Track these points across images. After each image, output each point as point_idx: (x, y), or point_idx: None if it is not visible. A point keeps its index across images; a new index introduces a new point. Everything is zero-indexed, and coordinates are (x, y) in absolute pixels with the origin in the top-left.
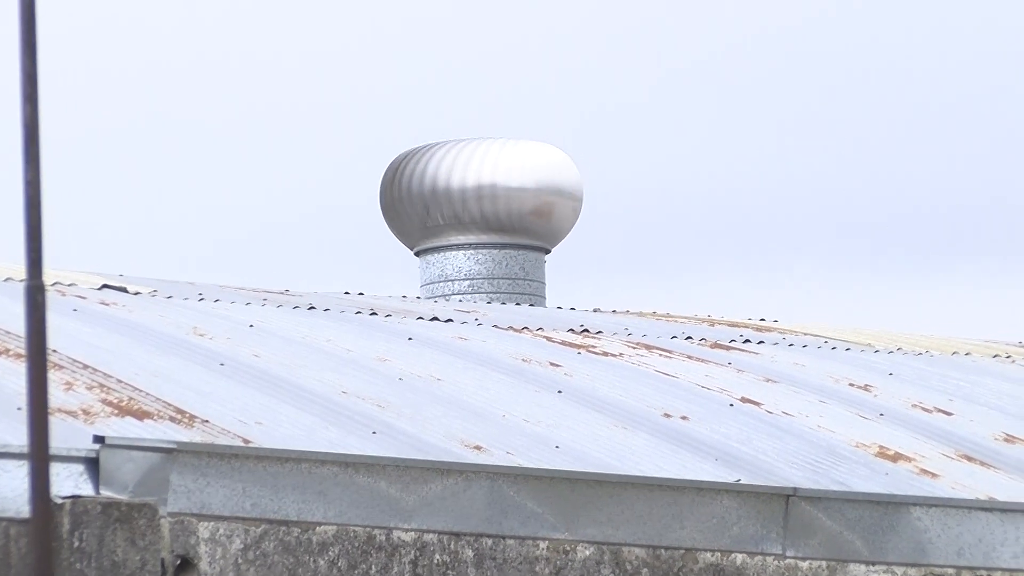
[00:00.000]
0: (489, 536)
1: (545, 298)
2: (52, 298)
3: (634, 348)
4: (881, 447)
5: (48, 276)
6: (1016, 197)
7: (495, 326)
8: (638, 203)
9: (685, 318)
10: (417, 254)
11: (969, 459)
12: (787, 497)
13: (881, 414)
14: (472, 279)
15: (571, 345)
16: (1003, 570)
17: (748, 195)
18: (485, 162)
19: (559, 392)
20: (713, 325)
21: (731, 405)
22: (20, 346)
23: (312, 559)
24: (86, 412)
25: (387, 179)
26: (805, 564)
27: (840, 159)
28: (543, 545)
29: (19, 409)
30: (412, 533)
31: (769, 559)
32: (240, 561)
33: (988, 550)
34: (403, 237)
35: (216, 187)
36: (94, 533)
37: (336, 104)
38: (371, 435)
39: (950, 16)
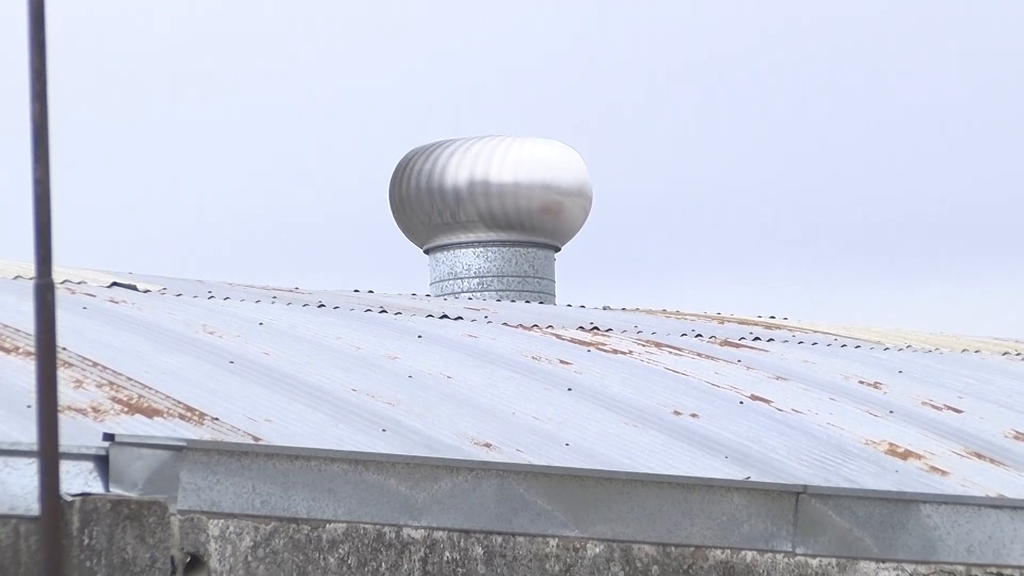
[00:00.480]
0: (499, 533)
1: (555, 296)
2: (61, 296)
3: (644, 346)
4: (891, 444)
5: (57, 274)
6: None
7: (505, 324)
8: (648, 201)
9: (695, 316)
10: (426, 252)
11: (979, 456)
12: (797, 495)
13: (891, 411)
14: (482, 277)
15: (581, 343)
16: (1013, 567)
17: (759, 192)
18: (494, 160)
19: (569, 390)
20: (723, 323)
21: (741, 403)
22: (29, 344)
23: (322, 557)
24: (96, 410)
25: (396, 177)
26: (815, 561)
27: (853, 156)
28: (553, 543)
29: (29, 407)
30: (422, 531)
31: (779, 556)
32: (250, 559)
33: (998, 547)
34: (412, 235)
35: (226, 185)
36: (104, 531)
37: (345, 102)
38: (381, 433)
39: (952, 15)
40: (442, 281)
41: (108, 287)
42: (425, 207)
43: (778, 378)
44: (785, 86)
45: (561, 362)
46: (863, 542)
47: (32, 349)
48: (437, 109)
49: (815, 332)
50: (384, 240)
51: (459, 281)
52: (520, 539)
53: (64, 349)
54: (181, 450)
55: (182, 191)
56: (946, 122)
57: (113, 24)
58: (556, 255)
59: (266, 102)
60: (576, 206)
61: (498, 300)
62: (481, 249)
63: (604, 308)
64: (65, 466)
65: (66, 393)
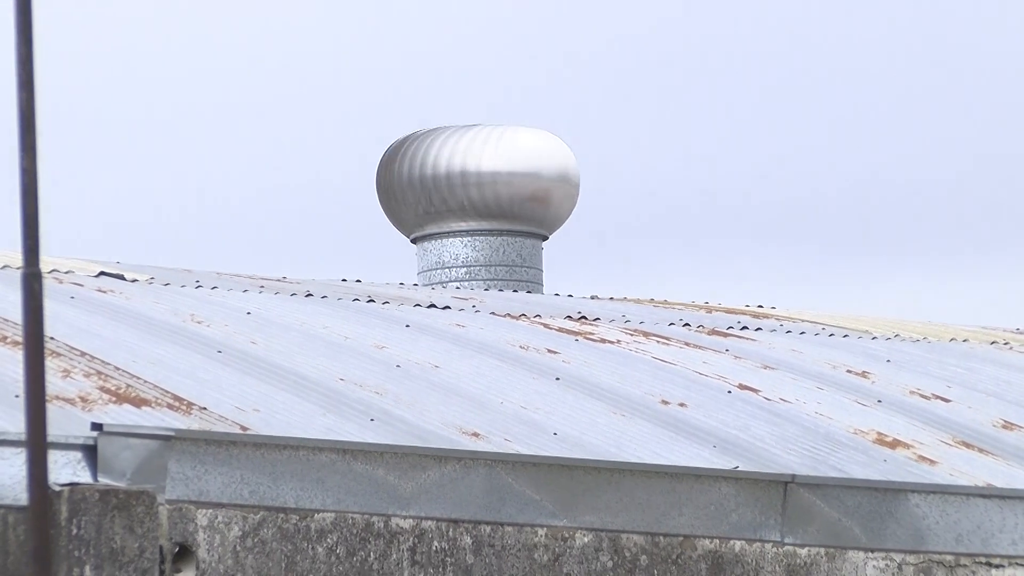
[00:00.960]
0: (487, 523)
1: (542, 285)
2: (49, 285)
3: (631, 335)
4: (879, 434)
5: (45, 263)
6: (1015, 185)
7: (492, 313)
8: (635, 189)
9: (683, 305)
10: (414, 241)
11: (967, 446)
12: (785, 484)
13: (879, 401)
14: (469, 266)
15: (569, 332)
16: (1002, 556)
17: (746, 181)
18: (482, 149)
19: (557, 379)
20: (711, 312)
21: (729, 392)
22: (17, 333)
23: (310, 546)
24: (84, 399)
25: (383, 166)
26: (804, 551)
27: (838, 145)
28: (541, 532)
29: (16, 396)
30: (410, 520)
31: (767, 546)
32: (238, 548)
33: (987, 537)
34: (400, 224)
35: (213, 174)
36: (92, 520)
37: (333, 91)
38: (369, 422)
39: (946, 9)
40: (430, 271)
41: (96, 276)
42: (412, 196)
43: (766, 367)
44: (776, 73)
45: (549, 351)
46: (851, 532)
47: (20, 339)
48: (424, 98)
49: (803, 321)
50: (371, 229)
51: (447, 270)
52: (508, 528)
53: (52, 339)
54: (169, 440)
55: (169, 180)
56: (934, 114)
57: (100, 12)
58: (543, 244)
59: (253, 90)
60: (563, 195)
61: (486, 289)
62: (468, 238)
63: (592, 297)
64: (53, 456)
65: (54, 383)
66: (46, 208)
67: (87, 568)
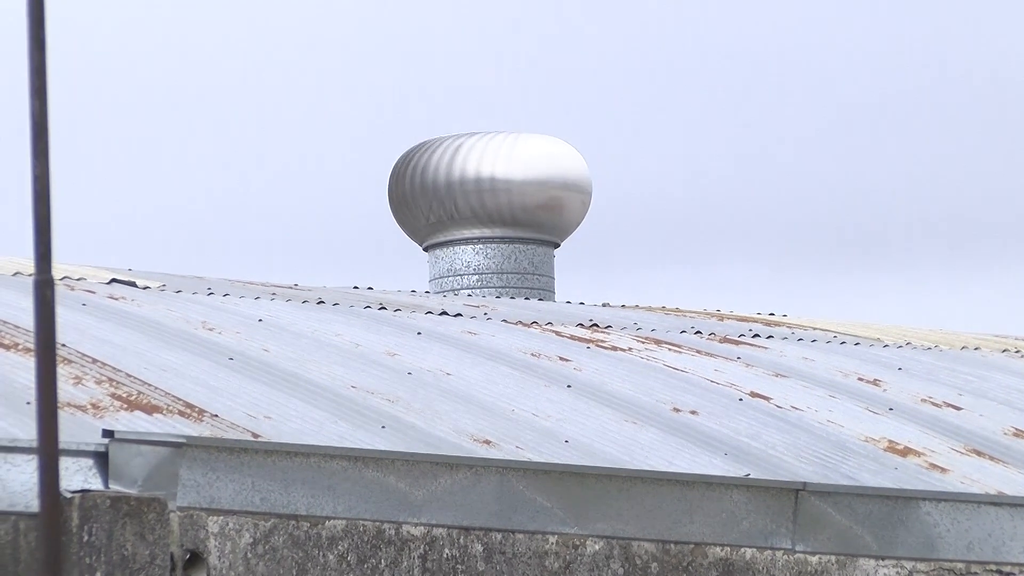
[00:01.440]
0: (498, 531)
1: (554, 292)
2: (61, 293)
3: (643, 343)
4: (890, 442)
5: (57, 271)
6: None
7: (504, 321)
8: (647, 197)
9: (694, 313)
10: (426, 249)
11: (978, 453)
12: (796, 492)
13: (890, 409)
14: (481, 274)
15: (580, 340)
16: (1013, 564)
17: (758, 189)
18: (494, 157)
19: (568, 387)
20: (722, 320)
21: (740, 400)
22: (29, 340)
23: (321, 553)
24: (95, 406)
25: (395, 174)
26: (815, 559)
27: (851, 153)
28: (552, 540)
29: (28, 403)
30: (421, 527)
31: (778, 554)
32: (249, 555)
33: (998, 544)
34: (412, 232)
35: (225, 182)
36: (103, 527)
37: (345, 99)
38: (380, 429)
39: (954, 16)
40: (441, 278)
41: (107, 284)
42: (424, 204)
43: (777, 375)
44: (788, 82)
45: (560, 359)
46: (863, 539)
47: (32, 346)
48: (436, 106)
49: (814, 329)
50: (383, 237)
51: (458, 278)
52: (519, 536)
53: (64, 346)
54: (181, 447)
55: (182, 188)
56: (949, 121)
57: (114, 21)
58: (555, 252)
59: (266, 99)
60: (575, 202)
61: (497, 297)
62: (480, 246)
63: (603, 305)
64: (65, 463)
65: (66, 390)
66: (58, 215)
67: (98, 575)
